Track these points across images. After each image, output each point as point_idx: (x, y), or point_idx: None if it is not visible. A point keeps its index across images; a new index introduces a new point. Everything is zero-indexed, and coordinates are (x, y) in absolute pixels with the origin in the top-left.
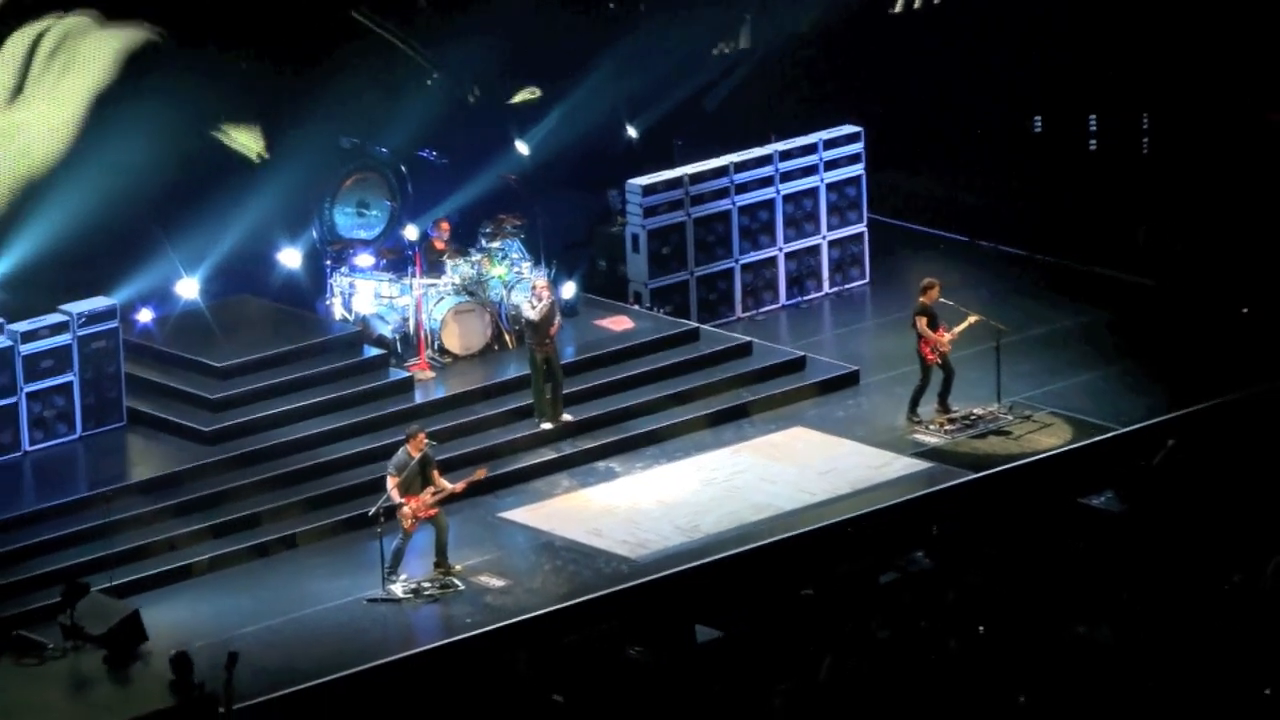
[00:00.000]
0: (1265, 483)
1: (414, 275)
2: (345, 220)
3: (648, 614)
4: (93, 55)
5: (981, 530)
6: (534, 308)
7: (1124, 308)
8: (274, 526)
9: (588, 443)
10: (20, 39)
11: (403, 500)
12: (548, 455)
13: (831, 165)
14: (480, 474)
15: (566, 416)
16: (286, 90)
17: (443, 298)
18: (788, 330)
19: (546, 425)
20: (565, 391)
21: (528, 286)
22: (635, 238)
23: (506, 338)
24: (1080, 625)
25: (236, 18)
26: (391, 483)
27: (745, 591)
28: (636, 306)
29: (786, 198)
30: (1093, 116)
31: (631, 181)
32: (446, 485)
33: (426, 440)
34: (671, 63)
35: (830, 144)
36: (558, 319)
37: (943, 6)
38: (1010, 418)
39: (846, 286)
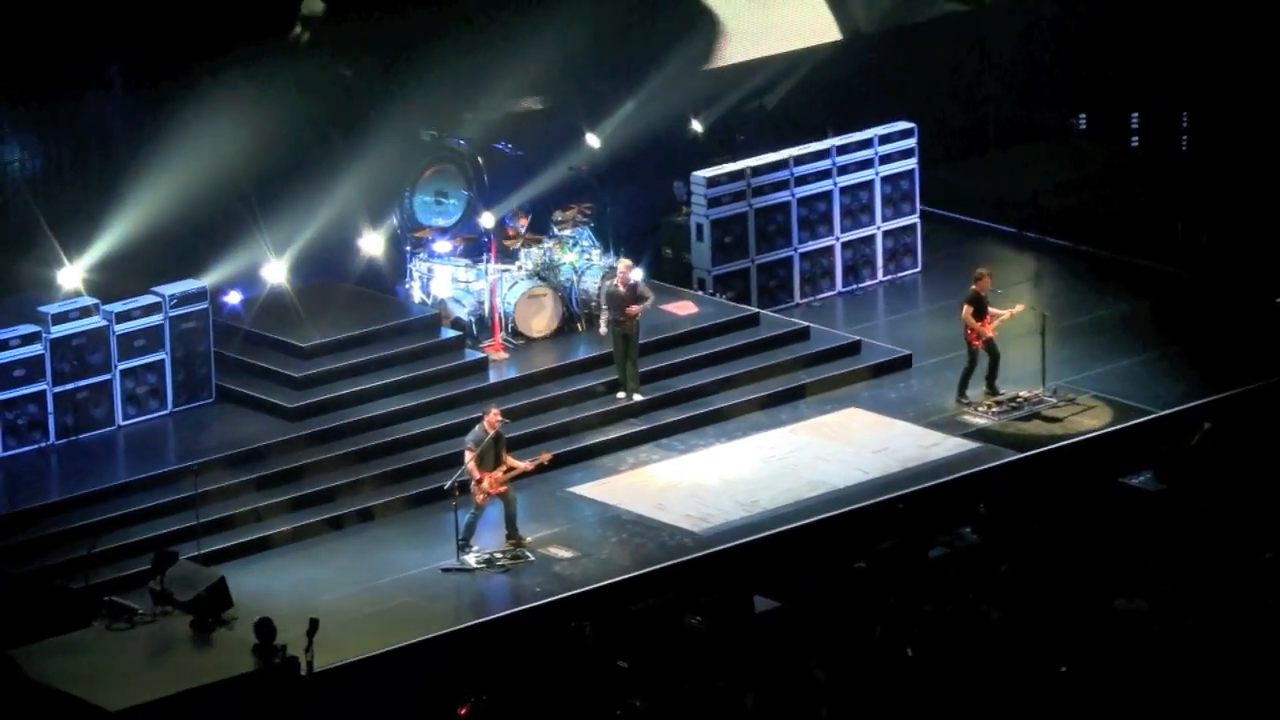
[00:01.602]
0: None
1: (489, 261)
2: (424, 209)
3: (709, 585)
4: None
5: (1026, 508)
6: (609, 288)
7: (1162, 296)
8: (353, 499)
9: (653, 421)
10: None
11: (479, 475)
12: (615, 433)
13: (886, 160)
14: (546, 458)
15: (638, 395)
16: (373, 86)
17: (516, 282)
18: (843, 316)
19: (621, 396)
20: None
21: (598, 272)
22: (699, 227)
23: (576, 321)
24: (1119, 599)
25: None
26: (469, 456)
27: (801, 564)
28: (700, 292)
29: (843, 190)
30: (1135, 114)
31: (696, 174)
32: (518, 464)
33: (501, 418)
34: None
35: (885, 139)
36: (646, 302)
37: (991, 8)
38: (1054, 401)
39: (899, 275)
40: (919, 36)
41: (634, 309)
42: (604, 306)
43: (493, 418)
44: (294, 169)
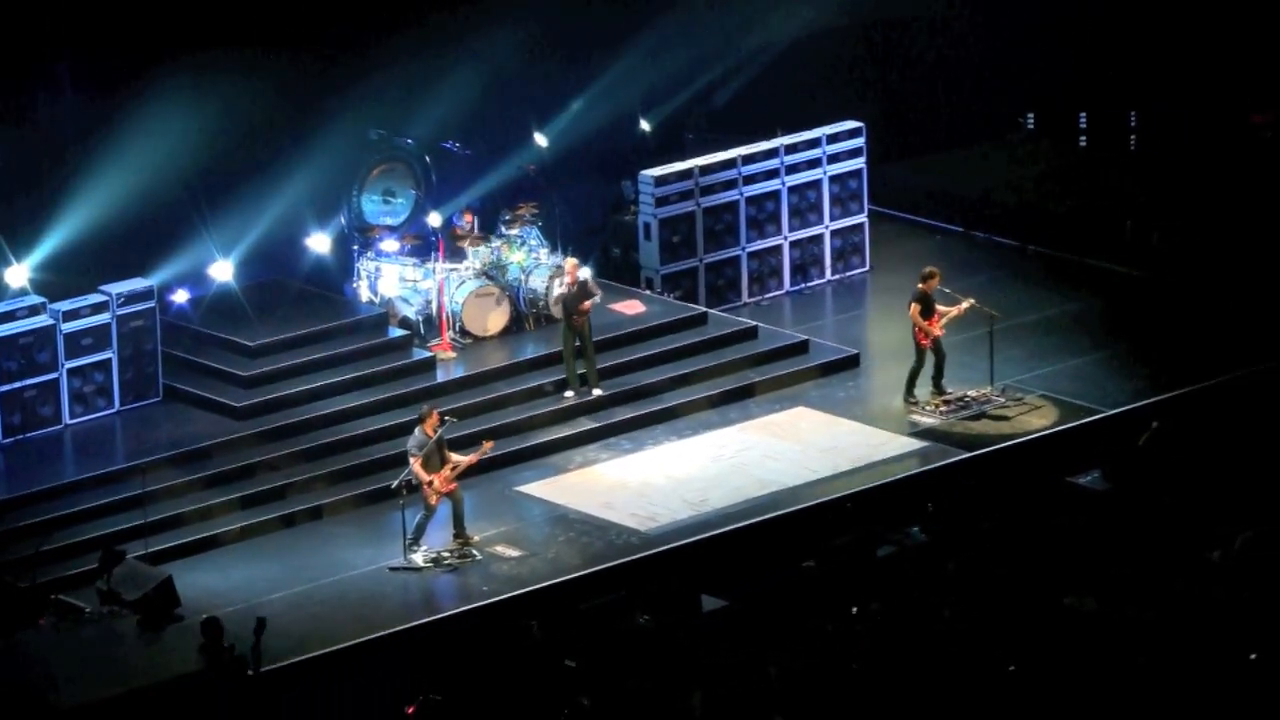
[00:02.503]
0: (1242, 463)
1: (436, 260)
2: (372, 207)
3: (656, 584)
4: None
5: (974, 507)
6: (562, 286)
7: (1111, 296)
8: (301, 498)
9: (601, 420)
10: None
11: (428, 478)
12: (563, 432)
13: (834, 159)
14: (487, 446)
15: (597, 391)
16: (318, 84)
17: (464, 281)
18: (791, 315)
19: (569, 395)
20: (583, 371)
21: (546, 271)
22: (647, 226)
23: (524, 320)
24: (1067, 597)
25: (274, 15)
26: (414, 461)
27: (750, 563)
28: (648, 291)
29: (791, 189)
30: (1083, 114)
31: (644, 172)
32: (462, 459)
33: (440, 418)
34: (683, 60)
35: (833, 139)
36: (595, 297)
37: (942, 8)
38: (1002, 400)
39: (848, 274)
40: (867, 34)
41: (585, 305)
42: (559, 308)
43: (432, 420)
44: (241, 167)
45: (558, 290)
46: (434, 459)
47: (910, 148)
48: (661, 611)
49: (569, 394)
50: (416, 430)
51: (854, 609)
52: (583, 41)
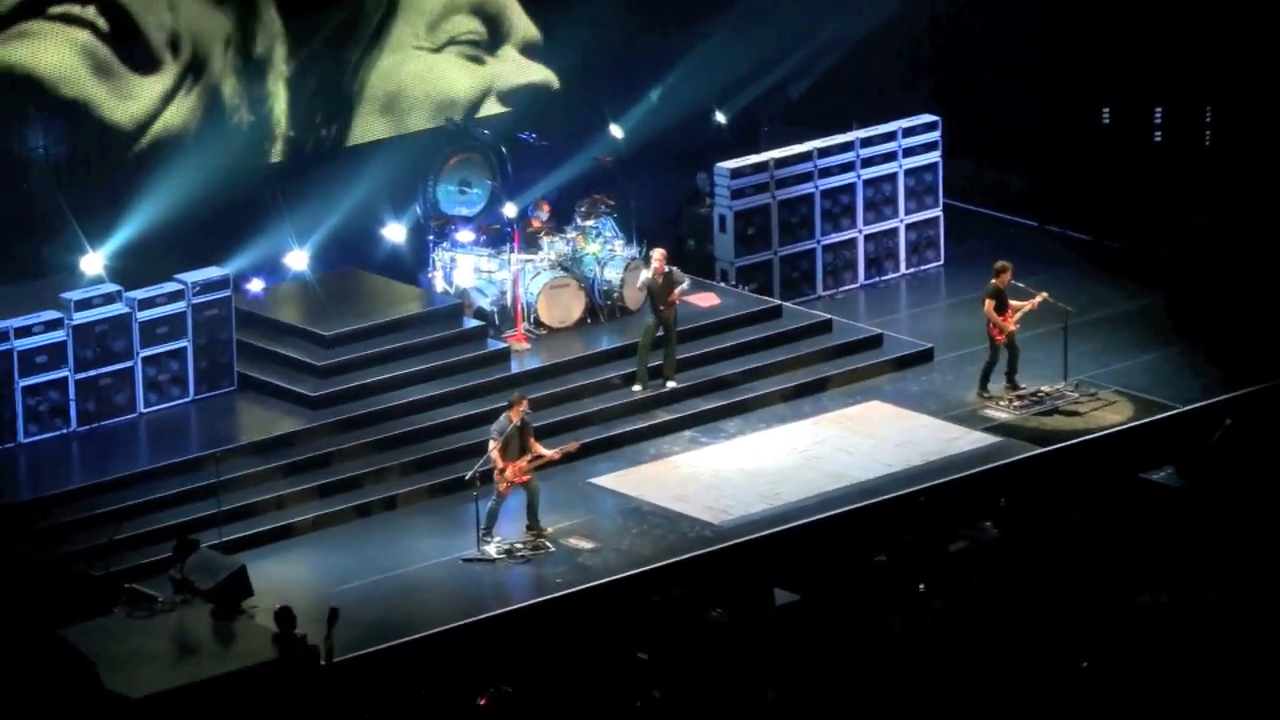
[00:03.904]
0: None
1: (512, 251)
2: (448, 198)
3: (729, 577)
4: None
5: (1047, 502)
6: (650, 275)
7: (1185, 291)
8: (375, 488)
9: (675, 413)
10: None
11: (502, 464)
12: (636, 424)
13: (910, 152)
14: (574, 446)
15: (672, 384)
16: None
17: (539, 273)
18: (866, 309)
19: (637, 388)
20: (657, 363)
21: (621, 263)
22: (723, 218)
23: (599, 312)
24: (1141, 594)
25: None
26: (493, 446)
27: (823, 557)
28: (723, 284)
29: (866, 182)
30: (1158, 109)
31: (720, 165)
32: (545, 452)
33: (527, 407)
34: (759, 52)
35: (909, 132)
36: (683, 284)
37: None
38: (1076, 395)
39: (922, 268)
40: (944, 28)
41: (673, 295)
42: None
43: (520, 406)
44: (317, 156)
45: (644, 278)
46: (513, 446)
47: (985, 141)
48: (734, 605)
49: (636, 388)
50: (503, 416)
51: (920, 586)
52: (659, 32)
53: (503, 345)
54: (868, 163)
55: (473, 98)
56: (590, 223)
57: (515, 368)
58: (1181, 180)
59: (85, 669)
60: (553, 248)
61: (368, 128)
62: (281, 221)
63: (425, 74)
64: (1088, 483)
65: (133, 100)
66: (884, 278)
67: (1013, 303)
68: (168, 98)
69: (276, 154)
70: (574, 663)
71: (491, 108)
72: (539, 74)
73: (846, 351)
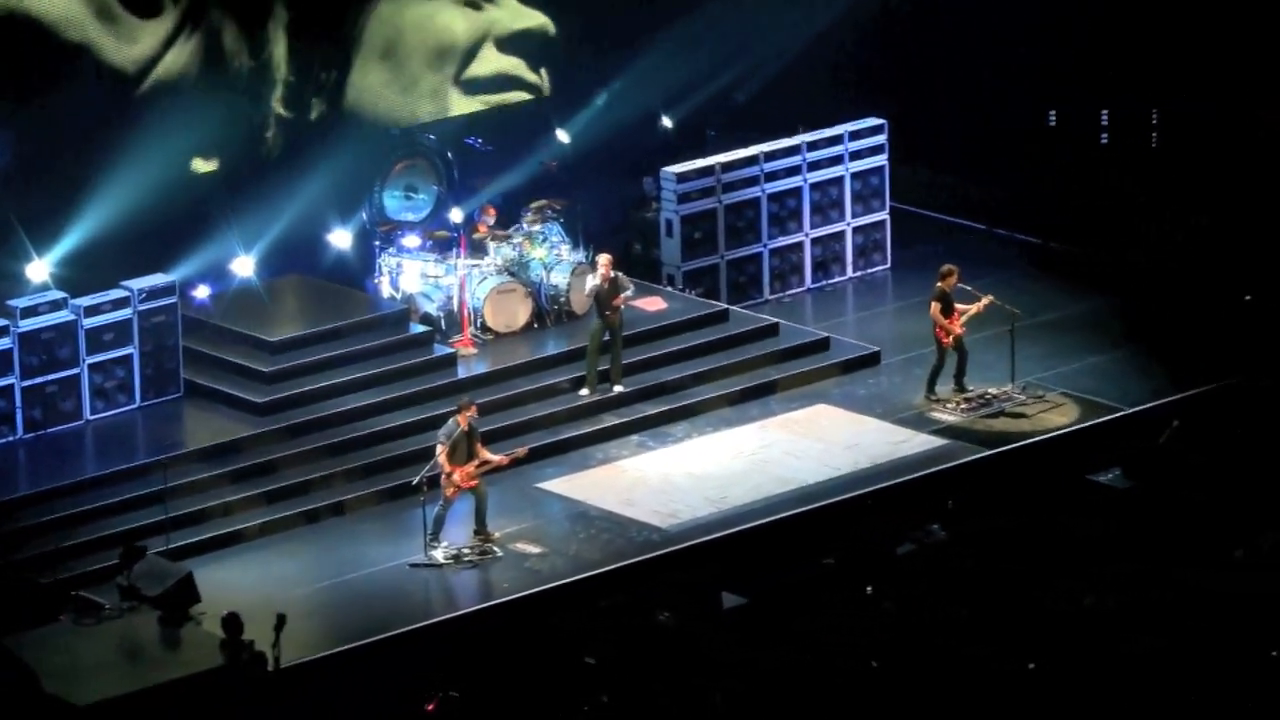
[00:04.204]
0: (1263, 461)
1: (458, 256)
2: (394, 203)
3: (677, 581)
4: None
5: (994, 505)
6: (596, 280)
7: (1131, 294)
8: (323, 494)
9: (622, 417)
10: None
11: (449, 468)
12: (584, 428)
13: (856, 155)
14: (522, 452)
15: (619, 388)
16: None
17: (485, 278)
18: (813, 312)
19: (585, 392)
20: (605, 368)
21: (567, 268)
22: (669, 223)
23: (545, 316)
24: (1087, 596)
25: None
26: (440, 450)
27: (770, 560)
28: (669, 288)
29: (813, 186)
30: (1105, 111)
31: (666, 169)
32: (491, 457)
33: (475, 412)
34: (705, 57)
35: (855, 135)
36: (628, 291)
37: (962, 7)
38: (1023, 397)
39: (869, 271)
40: (891, 31)
41: (618, 300)
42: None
43: (469, 411)
44: (262, 162)
45: (590, 285)
46: (460, 451)
47: (932, 144)
48: (682, 609)
49: (584, 392)
50: (450, 420)
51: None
52: (605, 38)
53: (449, 350)
54: (814, 166)
55: (470, 43)
56: (537, 227)
57: (462, 373)
58: (1129, 182)
59: (26, 677)
60: (499, 252)
61: (366, 74)
62: (227, 228)
63: (424, 20)
64: (1035, 485)
65: (134, 44)
66: (831, 281)
67: (959, 306)
68: (168, 42)
69: (276, 100)
70: (521, 667)
71: (490, 62)
72: (536, 20)
73: (793, 355)
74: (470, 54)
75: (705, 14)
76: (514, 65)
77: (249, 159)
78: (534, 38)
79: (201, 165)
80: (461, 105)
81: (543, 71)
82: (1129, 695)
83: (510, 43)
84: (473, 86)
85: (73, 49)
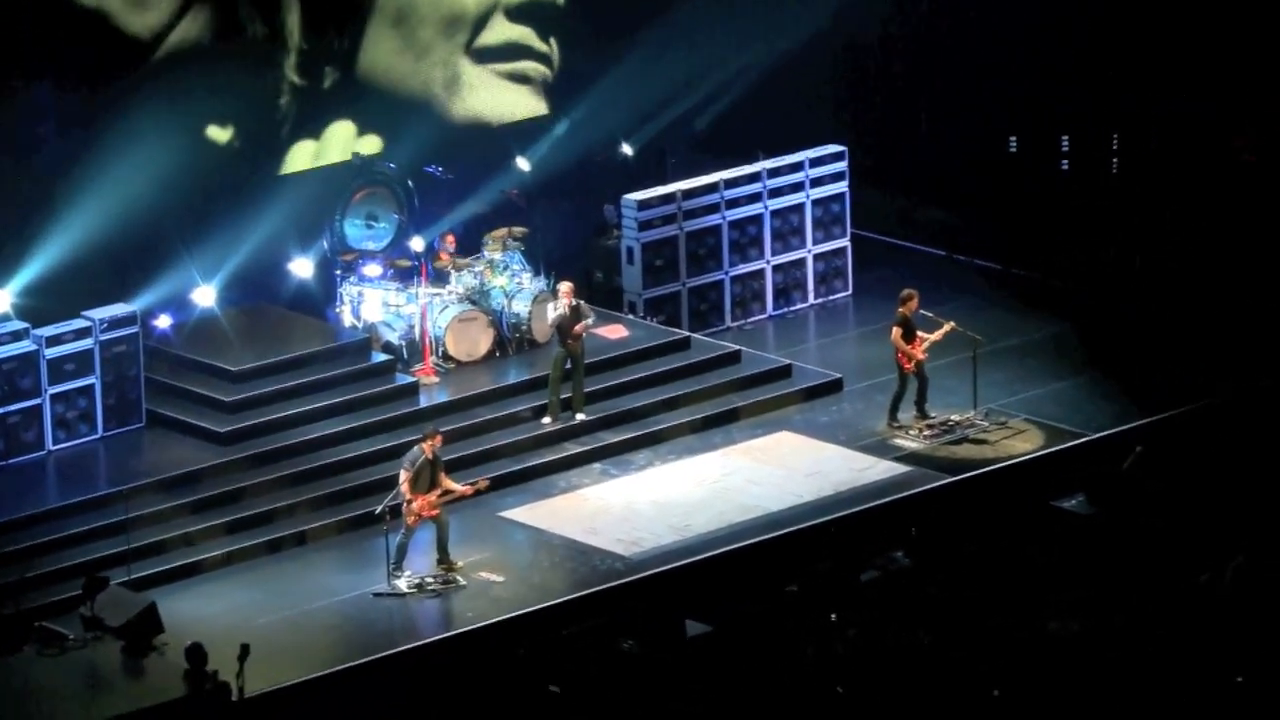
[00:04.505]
0: (1227, 487)
1: (420, 284)
2: (355, 232)
3: (640, 609)
4: None
5: (958, 531)
6: (557, 309)
7: (1093, 320)
8: (285, 523)
9: (585, 445)
10: None
11: (411, 496)
12: (546, 457)
13: (817, 182)
14: (483, 483)
15: (581, 415)
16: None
17: (447, 306)
18: (774, 339)
19: (547, 420)
20: (567, 396)
21: (529, 296)
22: (630, 250)
23: (507, 345)
24: (1052, 622)
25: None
26: (404, 477)
27: (733, 588)
28: (631, 315)
29: (774, 213)
30: (1065, 137)
31: (627, 196)
32: (455, 487)
33: (440, 442)
34: (664, 84)
35: (815, 162)
36: (588, 320)
37: (924, 33)
38: (986, 424)
39: (830, 298)
40: (851, 58)
41: (579, 328)
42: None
43: (434, 441)
44: (223, 191)
45: (552, 314)
46: (423, 479)
47: (892, 171)
48: (645, 636)
49: (546, 420)
50: (415, 448)
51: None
52: (565, 65)
53: (411, 379)
54: (775, 193)
55: (481, 12)
56: (498, 255)
57: (424, 401)
58: (1089, 208)
59: None
60: (460, 281)
61: (379, 42)
62: (188, 257)
63: None
64: (999, 511)
65: (149, 10)
66: (792, 308)
67: (920, 334)
68: (183, 8)
69: (290, 69)
70: (486, 696)
71: (500, 31)
72: None
73: (756, 382)
74: (481, 22)
75: (665, 39)
76: (524, 34)
77: (259, 132)
78: (544, 7)
79: (218, 134)
80: (472, 75)
81: (552, 41)
82: None
83: (518, 11)
84: (484, 55)
85: (88, 15)
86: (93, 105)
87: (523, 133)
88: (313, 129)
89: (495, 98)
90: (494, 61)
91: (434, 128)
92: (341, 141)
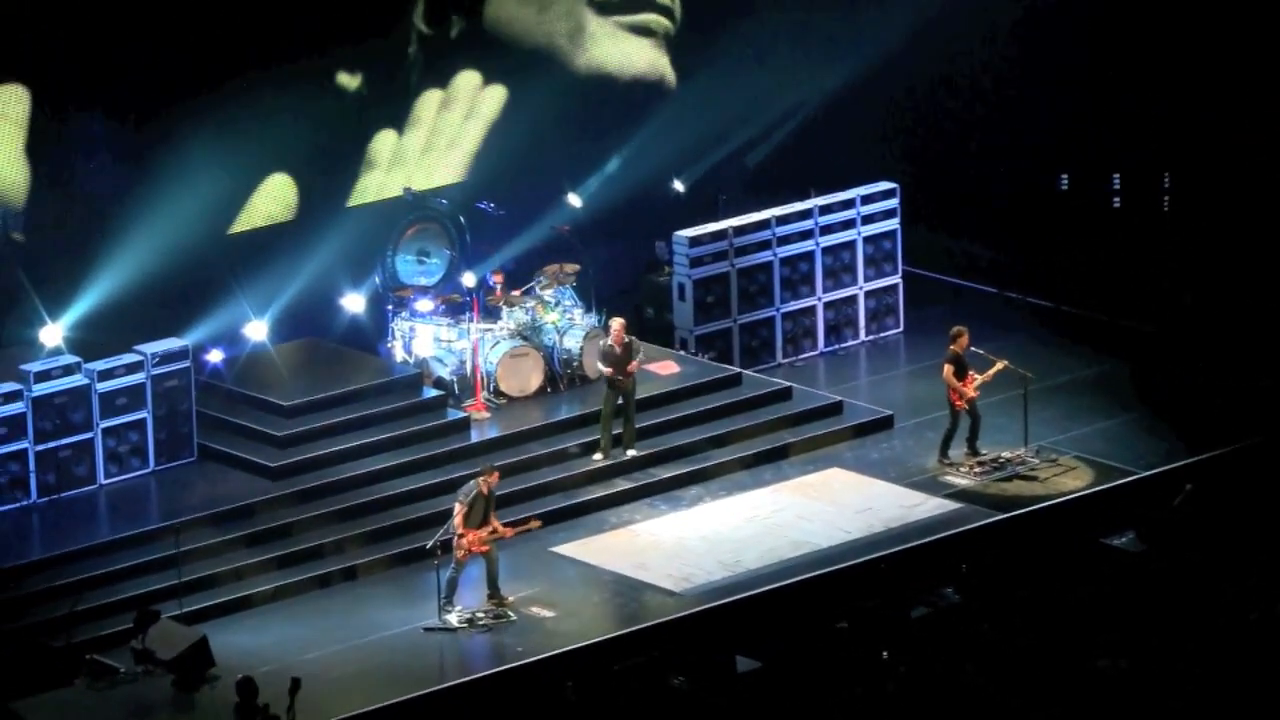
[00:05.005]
0: (1277, 525)
1: (471, 320)
2: (406, 267)
3: (691, 645)
4: None
5: (1008, 568)
6: (607, 345)
7: (1143, 357)
8: (336, 558)
9: (636, 481)
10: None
11: (462, 531)
12: (597, 492)
13: (868, 220)
14: (534, 524)
15: (632, 452)
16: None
17: (498, 342)
18: (825, 376)
19: (598, 457)
20: (618, 432)
21: (580, 332)
22: (682, 287)
23: (558, 381)
24: (1101, 659)
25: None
26: (458, 510)
27: (783, 624)
28: (682, 352)
29: (825, 250)
30: (1117, 175)
31: (678, 233)
32: (500, 528)
33: (497, 479)
34: (717, 120)
35: (867, 199)
36: (640, 356)
37: (973, 72)
38: (1036, 461)
39: (882, 335)
40: (903, 95)
41: (632, 365)
42: (597, 366)
43: (492, 478)
44: (276, 226)
45: (603, 350)
46: (476, 515)
47: (944, 208)
48: (696, 672)
49: (598, 457)
50: (471, 482)
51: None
52: (618, 102)
53: (462, 415)
54: (826, 230)
55: None
56: (549, 292)
57: (475, 437)
58: (1141, 246)
59: None
60: (512, 317)
61: None
62: (240, 292)
63: None
64: (1049, 549)
65: None
66: (844, 345)
67: (972, 372)
68: None
69: (419, 17)
70: None
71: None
72: None
73: (807, 419)
74: None
75: (716, 76)
76: None
77: (387, 83)
78: None
79: (347, 81)
80: (595, 26)
81: None
82: None
83: None
84: (606, 8)
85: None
86: (143, 135)
87: (576, 166)
88: (439, 79)
89: (618, 49)
90: (617, 14)
91: (558, 79)
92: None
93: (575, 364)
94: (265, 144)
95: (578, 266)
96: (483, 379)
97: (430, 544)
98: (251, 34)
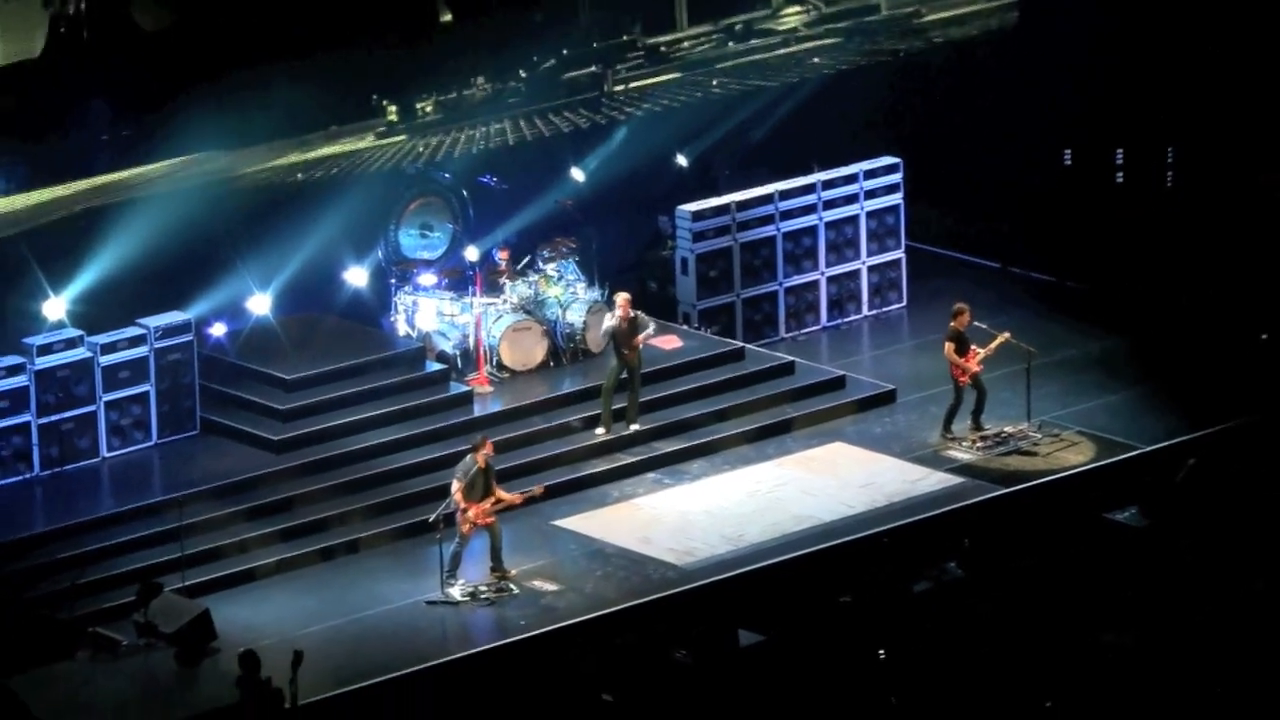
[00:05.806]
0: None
1: (474, 294)
2: (409, 241)
3: (693, 618)
4: None
5: (1011, 543)
6: (614, 320)
7: (1146, 332)
8: (338, 531)
9: (638, 455)
10: None
11: (464, 505)
12: (600, 466)
13: (871, 194)
14: (538, 490)
15: (635, 426)
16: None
17: (501, 316)
18: (828, 350)
19: (600, 431)
20: (621, 406)
21: (583, 306)
22: (684, 261)
23: (561, 355)
24: (1105, 633)
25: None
26: (456, 487)
27: (786, 598)
28: (685, 326)
29: (828, 224)
30: (1120, 150)
31: (681, 208)
32: (506, 496)
33: (492, 450)
34: (719, 95)
35: (870, 174)
36: (648, 330)
37: (976, 48)
38: (1039, 436)
39: (885, 309)
40: (906, 71)
41: (638, 339)
42: (602, 339)
43: (486, 449)
44: (278, 200)
45: (609, 324)
46: (477, 488)
47: (947, 183)
48: (698, 646)
49: (599, 431)
50: (467, 457)
51: (881, 653)
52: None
53: (465, 388)
54: (829, 205)
55: None
56: (552, 266)
57: (478, 411)
58: (1144, 221)
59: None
60: (515, 290)
61: None
62: (243, 265)
63: None
64: (1052, 523)
65: None
66: (846, 319)
67: (974, 347)
68: None
69: None
70: (538, 705)
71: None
72: None
73: (809, 393)
74: None
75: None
76: None
77: (263, 196)
78: None
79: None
80: None
81: None
82: None
83: None
84: None
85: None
86: (149, 111)
87: (579, 142)
88: None
89: None
90: None
91: None
92: None
93: (578, 338)
94: (270, 112)
95: (574, 242)
96: (486, 353)
97: (433, 517)
98: (255, 20)
